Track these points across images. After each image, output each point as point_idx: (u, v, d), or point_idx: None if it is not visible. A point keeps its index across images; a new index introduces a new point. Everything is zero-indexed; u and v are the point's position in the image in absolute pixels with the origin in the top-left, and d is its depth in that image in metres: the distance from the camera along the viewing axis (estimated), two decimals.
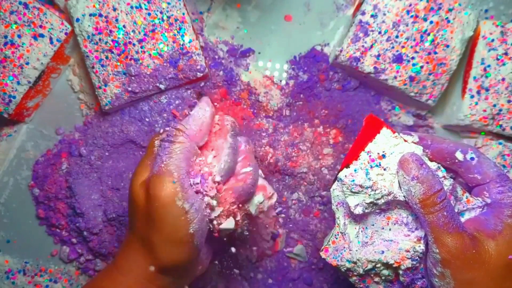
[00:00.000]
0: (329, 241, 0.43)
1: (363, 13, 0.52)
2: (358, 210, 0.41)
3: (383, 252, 0.41)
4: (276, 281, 0.58)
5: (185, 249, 0.40)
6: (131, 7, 0.52)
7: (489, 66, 0.53)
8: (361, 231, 0.43)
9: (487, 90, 0.53)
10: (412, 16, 0.52)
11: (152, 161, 0.42)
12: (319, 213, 0.57)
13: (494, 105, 0.53)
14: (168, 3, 0.52)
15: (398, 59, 0.52)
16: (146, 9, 0.52)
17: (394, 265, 0.41)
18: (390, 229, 0.42)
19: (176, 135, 0.41)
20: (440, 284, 0.39)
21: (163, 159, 0.40)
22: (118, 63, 0.53)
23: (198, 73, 0.53)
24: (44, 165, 0.59)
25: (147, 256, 0.41)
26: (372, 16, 0.52)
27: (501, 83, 0.53)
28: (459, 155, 0.42)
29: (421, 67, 0.52)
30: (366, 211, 0.41)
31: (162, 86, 0.54)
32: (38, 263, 0.60)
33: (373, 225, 0.42)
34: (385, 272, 0.42)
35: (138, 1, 0.52)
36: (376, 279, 0.43)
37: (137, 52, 0.52)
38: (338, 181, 0.42)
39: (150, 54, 0.53)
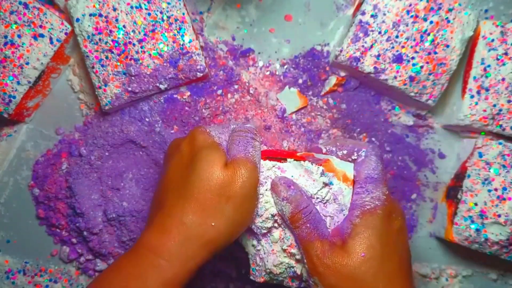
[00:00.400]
0: (250, 266, 0.47)
1: (363, 13, 0.52)
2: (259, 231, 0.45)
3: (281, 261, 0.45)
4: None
5: (243, 228, 0.43)
6: (131, 7, 0.52)
7: (489, 66, 0.53)
8: (265, 244, 0.46)
9: (487, 90, 0.53)
10: (412, 16, 0.52)
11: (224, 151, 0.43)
12: None
13: (494, 105, 0.53)
14: (168, 3, 0.52)
15: (398, 59, 0.52)
16: (146, 9, 0.52)
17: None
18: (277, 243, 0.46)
19: (256, 136, 0.44)
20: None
21: (249, 151, 0.43)
22: (118, 63, 0.53)
23: (198, 73, 0.53)
24: (44, 165, 0.59)
25: (217, 233, 0.41)
26: (372, 16, 0.52)
27: (501, 83, 0.53)
28: (354, 154, 0.46)
29: (421, 67, 0.52)
30: (264, 231, 0.45)
31: (162, 86, 0.54)
32: (38, 263, 0.60)
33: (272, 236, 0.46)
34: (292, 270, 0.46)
35: (138, 1, 0.52)
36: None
37: (137, 52, 0.52)
38: None
39: (150, 54, 0.53)
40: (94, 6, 0.52)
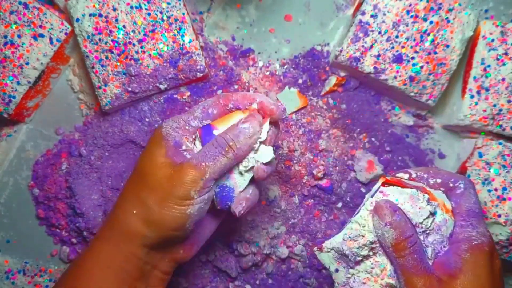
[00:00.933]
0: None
1: (363, 13, 0.52)
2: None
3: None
4: (276, 281, 0.58)
5: (177, 224, 0.43)
6: (131, 7, 0.52)
7: (489, 66, 0.53)
8: (358, 272, 0.44)
9: (487, 90, 0.53)
10: (412, 16, 0.52)
11: (171, 153, 0.44)
12: (319, 213, 0.57)
13: (494, 105, 0.53)
14: (168, 3, 0.52)
15: (398, 59, 0.52)
16: (146, 9, 0.52)
17: None
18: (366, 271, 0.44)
19: (228, 151, 0.43)
20: None
21: (206, 160, 0.43)
22: (118, 63, 0.53)
23: (198, 73, 0.53)
24: (44, 165, 0.59)
25: (140, 223, 0.44)
26: (372, 16, 0.52)
27: (501, 83, 0.53)
28: (449, 185, 0.44)
29: (421, 67, 0.52)
30: (359, 258, 0.43)
31: (162, 86, 0.54)
32: (38, 263, 0.60)
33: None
34: None
35: (138, 1, 0.52)
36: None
37: (137, 52, 0.52)
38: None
39: (150, 54, 0.53)
40: (94, 6, 0.52)
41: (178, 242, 0.47)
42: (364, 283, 0.43)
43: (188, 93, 0.56)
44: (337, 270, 0.44)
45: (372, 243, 0.42)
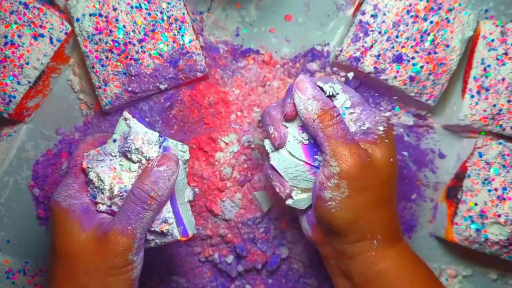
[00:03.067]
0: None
1: (363, 13, 0.52)
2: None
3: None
4: (276, 281, 0.58)
5: None
6: (131, 7, 0.52)
7: (489, 66, 0.53)
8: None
9: (487, 90, 0.53)
10: (412, 16, 0.52)
11: (86, 222, 0.41)
12: None
13: (494, 105, 0.53)
14: (168, 3, 0.52)
15: (398, 59, 0.52)
16: (146, 9, 0.52)
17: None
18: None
19: (151, 204, 0.40)
20: (333, 195, 0.41)
21: (131, 222, 0.40)
22: (118, 63, 0.53)
23: (198, 73, 0.53)
24: (44, 165, 0.59)
25: None
26: (372, 16, 0.52)
27: (501, 83, 0.53)
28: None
29: (421, 67, 0.52)
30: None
31: (162, 86, 0.54)
32: (38, 263, 0.60)
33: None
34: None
35: (138, 1, 0.52)
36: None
37: (137, 52, 0.52)
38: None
39: (150, 54, 0.53)
40: (94, 6, 0.52)
41: None
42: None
43: (188, 93, 0.56)
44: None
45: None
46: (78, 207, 0.42)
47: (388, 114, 0.45)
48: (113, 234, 0.40)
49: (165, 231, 0.43)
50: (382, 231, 0.43)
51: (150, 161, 0.42)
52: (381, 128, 0.44)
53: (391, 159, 0.43)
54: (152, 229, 0.43)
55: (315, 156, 0.45)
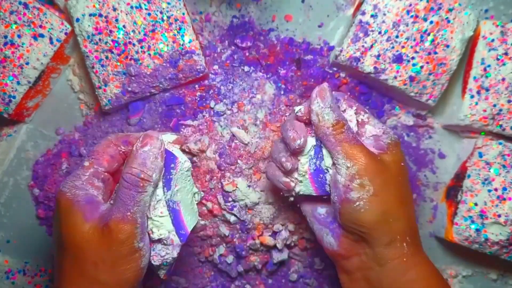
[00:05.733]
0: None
1: (363, 13, 0.52)
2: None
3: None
4: (276, 281, 0.58)
5: (137, 280, 0.42)
6: (131, 7, 0.52)
7: (489, 66, 0.53)
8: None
9: (487, 90, 0.53)
10: (412, 16, 0.52)
11: (89, 213, 0.41)
12: None
13: (494, 105, 0.53)
14: (168, 3, 0.52)
15: (398, 59, 0.52)
16: (146, 9, 0.52)
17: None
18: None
19: (144, 186, 0.41)
20: (360, 195, 0.42)
21: (129, 208, 0.40)
22: (118, 63, 0.53)
23: (198, 73, 0.53)
24: (44, 165, 0.59)
25: None
26: (372, 16, 0.52)
27: (501, 83, 0.53)
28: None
29: (421, 67, 0.52)
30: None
31: (162, 86, 0.54)
32: (38, 263, 0.60)
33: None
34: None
35: (138, 1, 0.52)
36: None
37: (137, 52, 0.52)
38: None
39: (150, 54, 0.53)
40: (94, 6, 0.52)
41: None
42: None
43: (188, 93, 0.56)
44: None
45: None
46: (82, 198, 0.42)
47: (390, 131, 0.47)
48: (114, 223, 0.40)
49: (164, 237, 0.43)
50: (410, 231, 0.44)
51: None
52: (387, 139, 0.45)
53: (402, 163, 0.45)
54: (153, 238, 0.43)
55: (323, 183, 0.46)
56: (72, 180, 0.43)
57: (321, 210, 0.48)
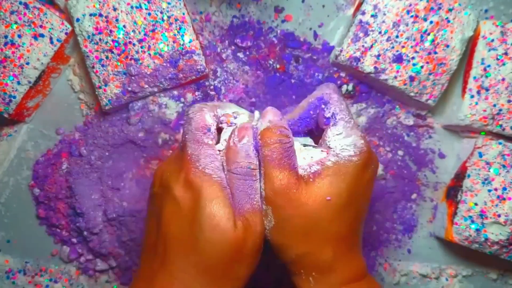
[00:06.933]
0: None
1: (363, 13, 0.52)
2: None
3: None
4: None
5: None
6: (131, 7, 0.52)
7: (489, 66, 0.53)
8: None
9: (487, 90, 0.53)
10: (412, 16, 0.52)
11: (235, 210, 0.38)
12: None
13: (494, 105, 0.53)
14: (168, 3, 0.52)
15: (398, 59, 0.52)
16: (146, 9, 0.52)
17: None
18: None
19: (256, 174, 0.39)
20: (265, 222, 0.39)
21: (253, 197, 0.39)
22: (118, 63, 0.53)
23: (198, 73, 0.53)
24: (44, 165, 0.59)
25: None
26: (372, 16, 0.52)
27: (501, 83, 0.53)
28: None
29: (421, 67, 0.52)
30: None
31: (162, 86, 0.54)
32: (38, 263, 0.60)
33: None
34: None
35: (138, 1, 0.52)
36: None
37: (137, 52, 0.53)
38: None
39: (150, 54, 0.53)
40: (94, 6, 0.52)
41: None
42: None
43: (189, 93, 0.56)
44: None
45: None
46: (226, 185, 0.38)
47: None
48: (249, 215, 0.38)
49: None
50: (316, 268, 0.39)
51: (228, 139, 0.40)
52: (328, 160, 0.39)
53: (328, 198, 0.38)
54: None
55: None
56: (211, 160, 0.38)
57: None
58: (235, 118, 0.43)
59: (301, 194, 0.38)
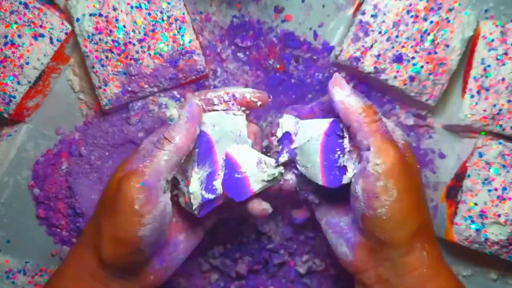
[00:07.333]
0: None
1: (363, 13, 0.52)
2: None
3: None
4: (276, 282, 0.58)
5: (128, 249, 0.40)
6: (131, 7, 0.52)
7: (489, 66, 0.53)
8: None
9: (487, 90, 0.53)
10: (412, 16, 0.52)
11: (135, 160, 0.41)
12: None
13: (494, 105, 0.53)
14: (168, 3, 0.52)
15: (398, 59, 0.52)
16: (146, 9, 0.52)
17: None
18: None
19: (163, 143, 0.40)
20: (382, 199, 0.39)
21: (145, 162, 0.39)
22: (118, 63, 0.53)
23: (198, 73, 0.53)
24: (44, 165, 0.59)
25: (94, 248, 0.41)
26: (372, 16, 0.52)
27: (501, 83, 0.53)
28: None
29: (421, 67, 0.52)
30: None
31: (162, 86, 0.54)
32: (38, 263, 0.60)
33: None
34: None
35: (138, 1, 0.52)
36: None
37: (137, 52, 0.53)
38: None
39: (150, 54, 0.53)
40: (94, 6, 0.52)
41: (144, 267, 0.43)
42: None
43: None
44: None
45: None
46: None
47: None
48: (125, 176, 0.39)
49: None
50: (428, 239, 0.41)
51: None
52: (401, 139, 0.43)
53: (418, 166, 0.43)
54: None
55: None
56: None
57: (338, 217, 0.46)
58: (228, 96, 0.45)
59: (409, 163, 0.41)
